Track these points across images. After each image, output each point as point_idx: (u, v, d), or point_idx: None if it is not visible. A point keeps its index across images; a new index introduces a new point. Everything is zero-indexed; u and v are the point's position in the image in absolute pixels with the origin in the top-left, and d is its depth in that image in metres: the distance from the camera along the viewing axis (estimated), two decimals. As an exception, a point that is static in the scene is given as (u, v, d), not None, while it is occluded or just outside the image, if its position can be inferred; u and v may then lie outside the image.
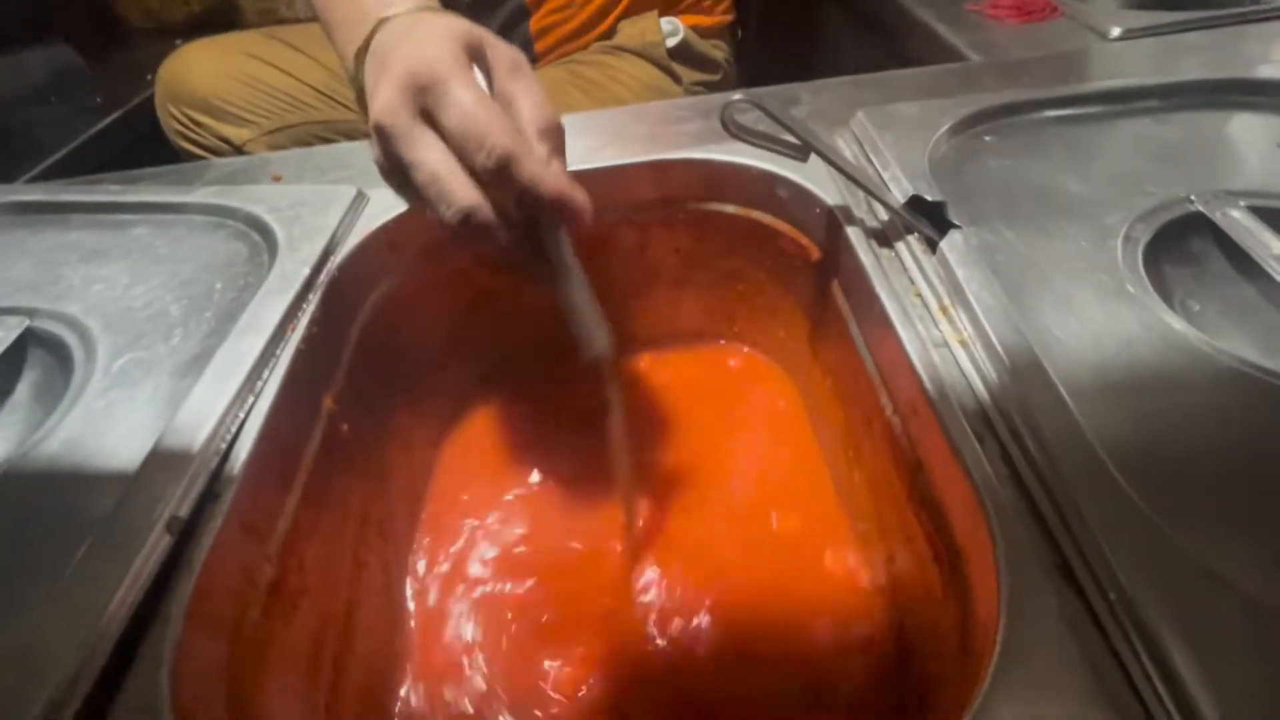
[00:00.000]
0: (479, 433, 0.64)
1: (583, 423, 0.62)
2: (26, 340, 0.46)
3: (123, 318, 0.46)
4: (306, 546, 0.41)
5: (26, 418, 0.44)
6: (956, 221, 0.43)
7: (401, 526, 0.54)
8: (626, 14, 0.90)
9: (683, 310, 0.65)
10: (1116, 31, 0.65)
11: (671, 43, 0.92)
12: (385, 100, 0.34)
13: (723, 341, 0.67)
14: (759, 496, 0.55)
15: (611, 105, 0.91)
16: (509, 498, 0.59)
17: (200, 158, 1.06)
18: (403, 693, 0.47)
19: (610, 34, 0.91)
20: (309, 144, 1.04)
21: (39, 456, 0.37)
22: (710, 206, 0.57)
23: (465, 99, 0.33)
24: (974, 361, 0.36)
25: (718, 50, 0.97)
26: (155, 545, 0.32)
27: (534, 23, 0.89)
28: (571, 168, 0.55)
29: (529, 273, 0.40)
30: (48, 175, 1.01)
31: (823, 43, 1.14)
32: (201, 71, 0.99)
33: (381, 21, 0.42)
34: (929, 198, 0.44)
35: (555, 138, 0.37)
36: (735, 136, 0.44)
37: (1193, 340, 0.36)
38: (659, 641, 0.49)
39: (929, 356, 0.37)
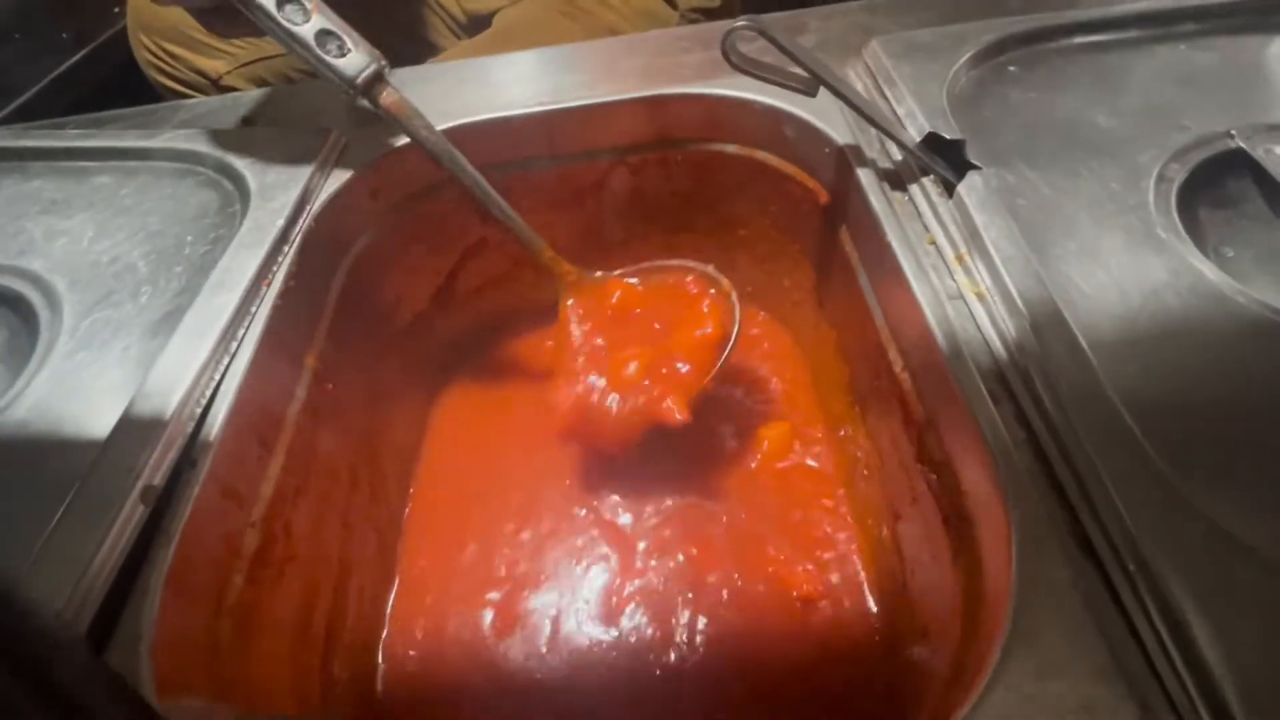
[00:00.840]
0: (473, 387, 0.62)
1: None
2: (-13, 299, 0.44)
3: (89, 274, 0.43)
4: (293, 511, 0.40)
5: (-9, 379, 0.42)
6: (976, 161, 0.40)
7: (394, 488, 0.53)
8: None
9: (679, 257, 0.62)
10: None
11: (670, -39, 0.86)
12: None
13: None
14: (756, 456, 0.54)
15: (603, 34, 0.85)
16: (505, 454, 0.58)
17: (177, 93, 1.01)
18: (396, 652, 0.47)
19: (605, -44, 0.85)
20: (290, 78, 0.99)
21: (5, 423, 0.36)
22: (711, 147, 0.53)
23: None
24: (991, 316, 0.34)
25: (717, -26, 0.90)
26: (130, 516, 0.31)
27: None
28: (560, 104, 0.52)
29: None
30: (17, 118, 0.97)
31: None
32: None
33: None
34: (947, 136, 0.40)
35: None
36: (737, 69, 0.40)
37: (1225, 290, 0.33)
38: (648, 602, 0.48)
39: (943, 310, 0.35)
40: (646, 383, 0.47)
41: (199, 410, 0.36)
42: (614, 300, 0.51)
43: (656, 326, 0.50)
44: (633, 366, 0.47)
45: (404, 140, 0.51)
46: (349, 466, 0.47)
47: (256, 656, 0.35)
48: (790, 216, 0.53)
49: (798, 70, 0.40)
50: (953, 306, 0.35)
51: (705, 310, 0.50)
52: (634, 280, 0.52)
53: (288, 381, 0.42)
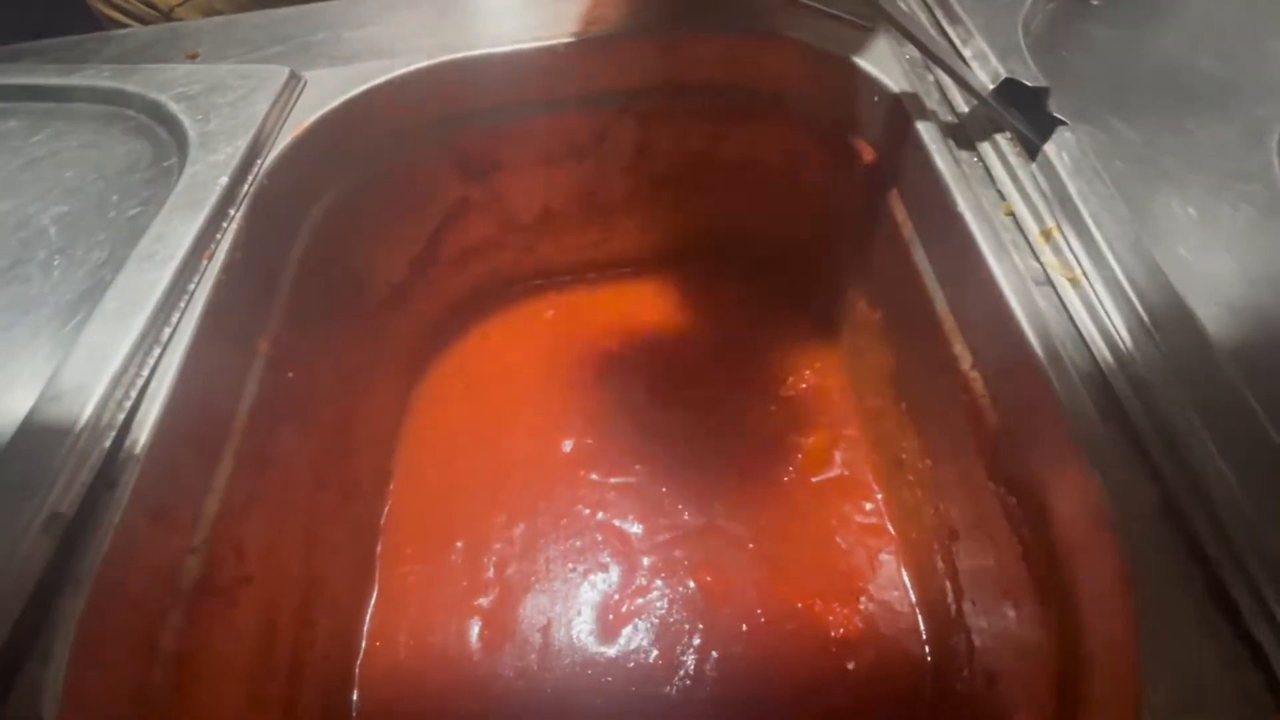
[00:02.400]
0: (456, 368, 0.56)
1: (574, 352, 0.54)
2: None
3: (-15, 240, 0.36)
4: (245, 526, 0.34)
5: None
6: (1060, 115, 0.33)
7: (369, 487, 0.47)
8: None
9: (691, 223, 0.55)
10: None
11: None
12: None
13: (737, 266, 0.58)
14: (789, 469, 0.48)
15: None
16: (495, 442, 0.52)
17: (117, 23, 0.90)
18: (374, 675, 0.42)
19: None
20: (247, 9, 0.89)
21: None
22: (733, 95, 0.46)
23: None
24: (1090, 307, 0.28)
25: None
26: (30, 554, 0.25)
27: None
28: (555, 39, 0.44)
29: None
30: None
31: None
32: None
33: None
34: (1027, 83, 0.34)
35: None
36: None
37: (1375, 278, 0.27)
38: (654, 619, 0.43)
39: (1031, 298, 0.29)
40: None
41: (121, 415, 0.29)
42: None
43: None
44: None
45: (376, 80, 0.44)
46: (313, 467, 0.41)
47: (205, 703, 0.30)
48: (824, 176, 0.46)
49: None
50: (1040, 293, 0.29)
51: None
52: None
53: (235, 373, 0.36)
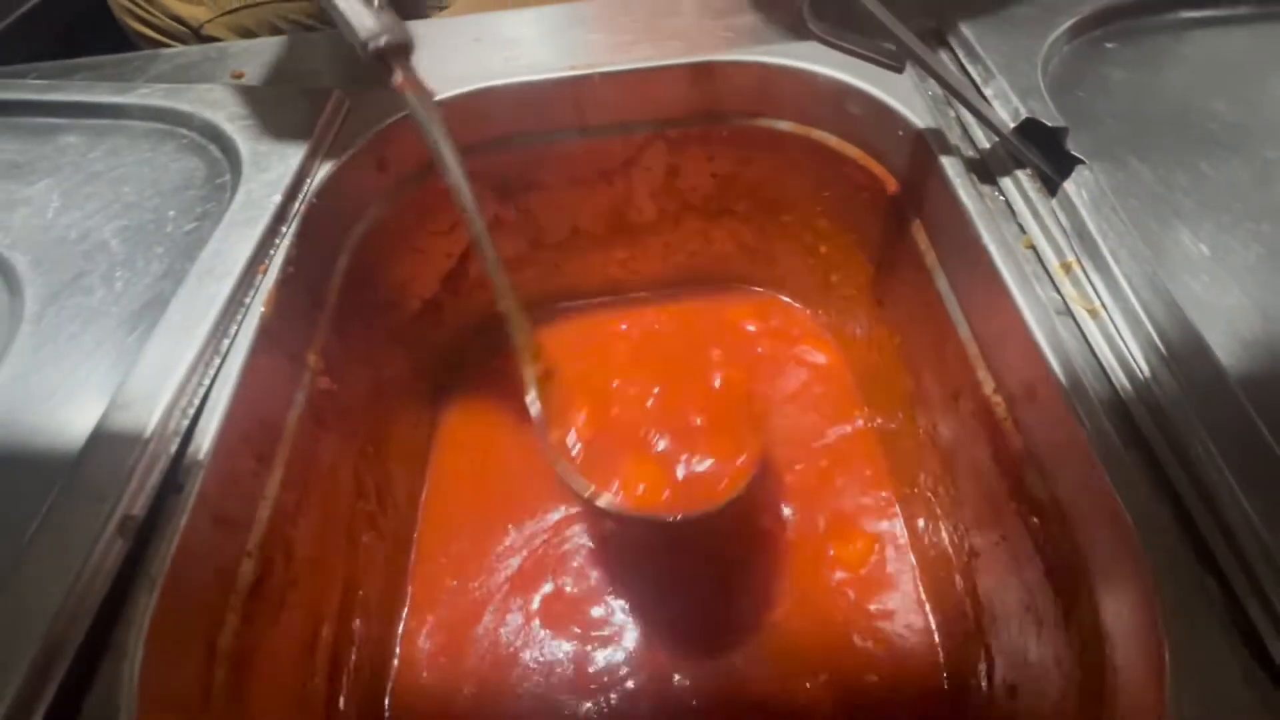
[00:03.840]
0: (486, 380, 0.57)
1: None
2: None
3: (54, 252, 0.37)
4: (294, 531, 0.35)
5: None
6: (1078, 154, 0.35)
7: (402, 493, 0.49)
8: None
9: (715, 246, 0.57)
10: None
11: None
12: None
13: (758, 289, 0.59)
14: (794, 483, 0.50)
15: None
16: (527, 453, 0.53)
17: (154, 42, 0.93)
18: (407, 682, 0.43)
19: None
20: (277, 29, 0.91)
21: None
22: (760, 122, 0.48)
23: None
24: (1109, 337, 0.30)
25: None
26: (105, 554, 0.26)
27: None
28: (593, 69, 0.46)
29: None
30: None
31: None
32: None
33: None
34: (1046, 122, 0.35)
35: None
36: (818, 36, 0.34)
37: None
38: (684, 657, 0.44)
39: (1054, 327, 0.30)
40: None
41: (186, 423, 0.30)
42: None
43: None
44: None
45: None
46: (354, 473, 0.43)
47: (255, 704, 0.31)
48: (846, 204, 0.47)
49: (883, 41, 0.35)
50: (1062, 323, 0.31)
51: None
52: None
53: (287, 383, 0.37)
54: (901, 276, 0.43)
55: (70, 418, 0.30)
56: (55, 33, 1.01)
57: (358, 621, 0.40)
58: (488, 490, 0.51)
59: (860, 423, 0.52)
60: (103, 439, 0.29)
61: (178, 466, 0.29)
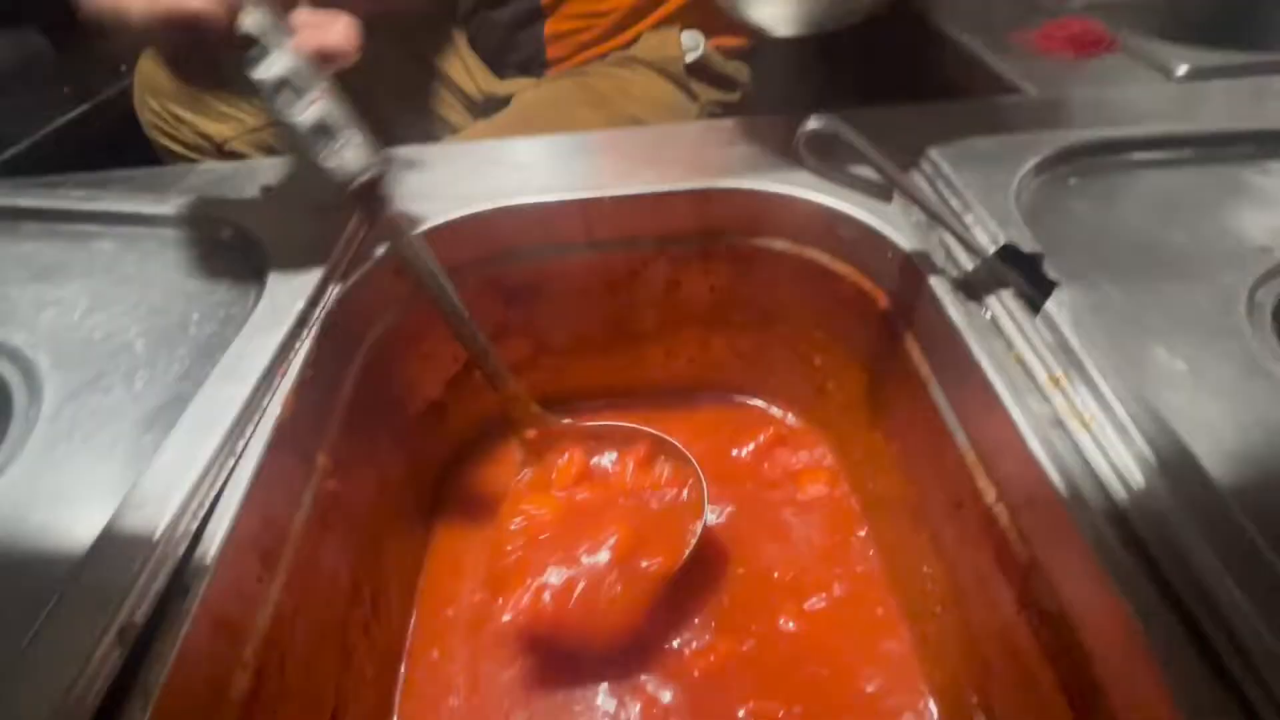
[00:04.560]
0: (481, 483, 0.57)
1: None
2: (-43, 375, 0.38)
3: (77, 352, 0.38)
4: (290, 639, 0.34)
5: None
6: (1055, 277, 0.38)
7: (396, 599, 0.47)
8: (649, 26, 0.85)
9: (713, 354, 0.59)
10: (1183, 69, 0.61)
11: (691, 58, 0.87)
12: None
13: (757, 400, 0.61)
14: (793, 590, 0.49)
15: (622, 122, 0.85)
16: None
17: (181, 156, 0.98)
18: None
19: (628, 45, 0.86)
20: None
21: (-40, 531, 0.30)
22: (756, 241, 0.51)
23: None
24: (1102, 448, 0.31)
25: (739, 71, 0.92)
26: (102, 663, 0.25)
27: (549, 26, 0.83)
28: (604, 192, 0.50)
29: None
30: (7, 171, 0.93)
31: (846, 68, 1.10)
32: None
33: None
34: (1024, 248, 0.39)
35: None
36: (809, 169, 0.38)
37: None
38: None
39: (1048, 438, 0.32)
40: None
41: (195, 525, 0.30)
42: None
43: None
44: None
45: (433, 221, 0.48)
46: (352, 577, 0.42)
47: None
48: (840, 318, 0.50)
49: (869, 173, 0.39)
50: (1056, 435, 0.32)
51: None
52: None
53: (297, 484, 0.37)
54: (896, 387, 0.45)
55: (79, 518, 0.30)
56: (87, 145, 1.07)
57: (345, 739, 0.38)
58: (479, 607, 0.49)
59: (862, 533, 0.52)
60: (110, 542, 0.29)
61: (184, 570, 0.29)
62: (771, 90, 1.03)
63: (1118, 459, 0.30)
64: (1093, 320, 0.35)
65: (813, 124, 0.37)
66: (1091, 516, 0.29)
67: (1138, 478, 0.29)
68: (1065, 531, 0.29)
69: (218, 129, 0.94)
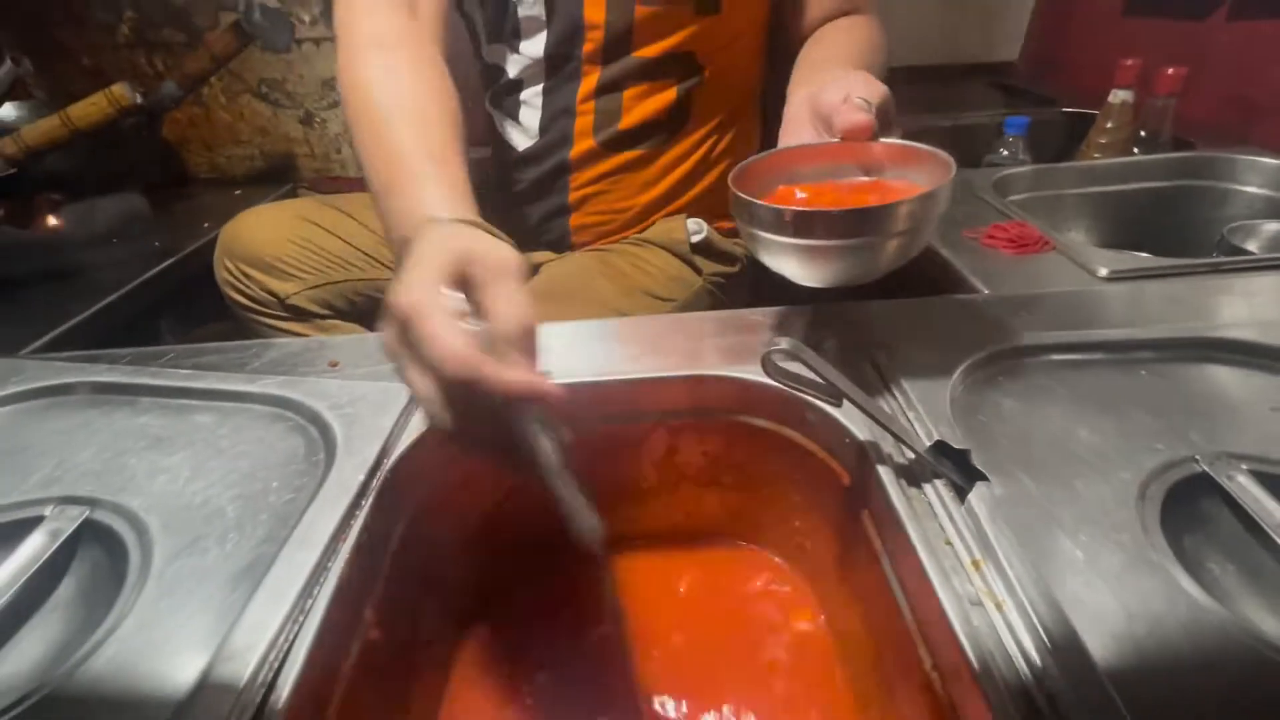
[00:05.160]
0: (503, 627, 0.63)
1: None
2: (82, 533, 0.47)
3: (181, 516, 0.47)
4: (333, 780, 0.40)
5: (69, 620, 0.44)
6: (981, 469, 0.46)
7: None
8: (660, 218, 1.00)
9: (706, 508, 0.67)
10: (1104, 271, 0.72)
11: (695, 239, 1.01)
12: (385, 335, 0.44)
13: (744, 544, 0.68)
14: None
15: (637, 292, 0.97)
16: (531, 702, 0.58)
17: (245, 307, 1.13)
18: None
19: (642, 231, 1.01)
20: (351, 299, 1.11)
21: (81, 679, 0.37)
22: (742, 418, 0.60)
23: (425, 332, 0.40)
24: (1010, 628, 0.38)
25: (737, 247, 1.06)
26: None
27: (574, 220, 0.98)
28: (611, 375, 0.60)
29: (511, 464, 0.44)
30: (104, 315, 1.08)
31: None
32: (261, 234, 1.09)
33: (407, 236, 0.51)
34: (953, 445, 0.47)
35: (525, 340, 0.42)
36: (774, 378, 0.48)
37: (1219, 619, 0.37)
38: None
39: (967, 617, 0.38)
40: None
41: (270, 675, 0.38)
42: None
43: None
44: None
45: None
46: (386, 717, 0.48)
47: None
48: (813, 489, 0.58)
49: (823, 381, 0.48)
50: (975, 613, 0.39)
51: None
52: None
53: (347, 635, 0.44)
54: (859, 556, 0.52)
55: (180, 666, 0.38)
56: (168, 291, 1.22)
57: None
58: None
59: (837, 679, 0.57)
60: (205, 690, 0.36)
61: (261, 715, 0.36)
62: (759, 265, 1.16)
63: (1021, 639, 0.37)
64: (1008, 511, 0.43)
65: (779, 345, 0.47)
66: (999, 691, 0.35)
67: (1034, 658, 0.36)
68: (978, 704, 0.35)
69: (280, 286, 1.09)
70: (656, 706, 0.55)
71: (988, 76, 1.75)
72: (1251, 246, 0.84)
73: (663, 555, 0.68)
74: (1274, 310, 0.63)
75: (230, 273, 1.14)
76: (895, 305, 0.66)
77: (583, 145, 0.94)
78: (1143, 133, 1.09)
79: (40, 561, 0.44)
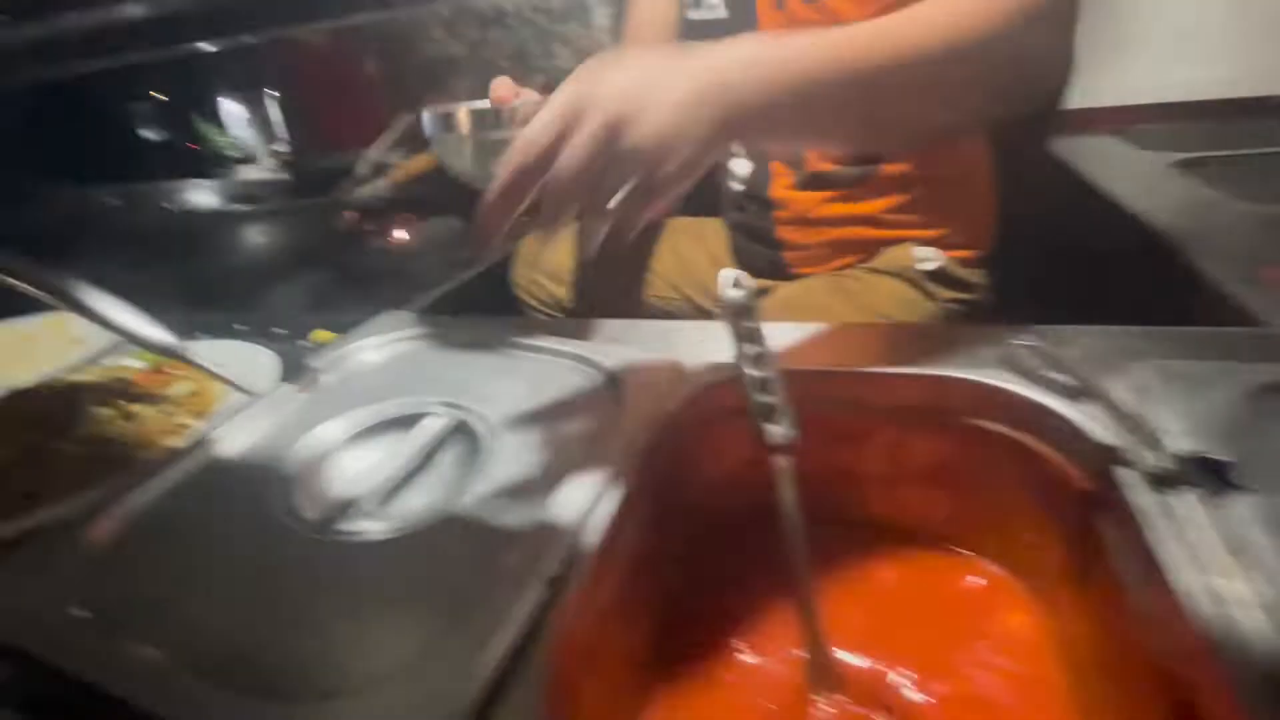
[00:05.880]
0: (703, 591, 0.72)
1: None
2: (453, 426, 0.66)
3: (513, 424, 0.64)
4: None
5: (448, 479, 0.62)
6: (1242, 483, 0.45)
7: None
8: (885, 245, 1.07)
9: (930, 508, 0.70)
10: None
11: (928, 267, 1.04)
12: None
13: (966, 551, 0.70)
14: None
15: (870, 313, 1.02)
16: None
17: (535, 309, 1.39)
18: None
19: (868, 260, 1.07)
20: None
21: (461, 510, 0.54)
22: (974, 421, 0.64)
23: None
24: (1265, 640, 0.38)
25: (973, 274, 1.06)
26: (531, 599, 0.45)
27: (787, 255, 1.11)
28: (844, 367, 0.67)
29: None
30: (432, 308, 1.40)
31: (1084, 281, 1.18)
32: (555, 251, 1.34)
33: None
34: (1212, 456, 0.47)
35: None
36: (1021, 375, 0.52)
37: None
38: None
39: (1218, 625, 0.39)
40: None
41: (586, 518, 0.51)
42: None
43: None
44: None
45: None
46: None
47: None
48: (1045, 494, 0.59)
49: (1069, 380, 0.51)
50: (1227, 623, 0.39)
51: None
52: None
53: (622, 530, 0.57)
54: (1093, 563, 0.53)
55: (522, 507, 0.53)
56: (470, 292, 1.54)
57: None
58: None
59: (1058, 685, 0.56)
60: (541, 528, 0.50)
61: (576, 547, 0.49)
62: (1010, 295, 1.14)
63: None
64: (1267, 523, 0.42)
65: (1021, 342, 0.51)
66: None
67: (1286, 644, 0.36)
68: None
69: (564, 293, 1.33)
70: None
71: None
72: None
73: (879, 548, 0.71)
74: None
75: (526, 279, 1.41)
76: (1166, 331, 0.65)
77: (780, 184, 1.07)
78: None
79: (430, 437, 0.64)
